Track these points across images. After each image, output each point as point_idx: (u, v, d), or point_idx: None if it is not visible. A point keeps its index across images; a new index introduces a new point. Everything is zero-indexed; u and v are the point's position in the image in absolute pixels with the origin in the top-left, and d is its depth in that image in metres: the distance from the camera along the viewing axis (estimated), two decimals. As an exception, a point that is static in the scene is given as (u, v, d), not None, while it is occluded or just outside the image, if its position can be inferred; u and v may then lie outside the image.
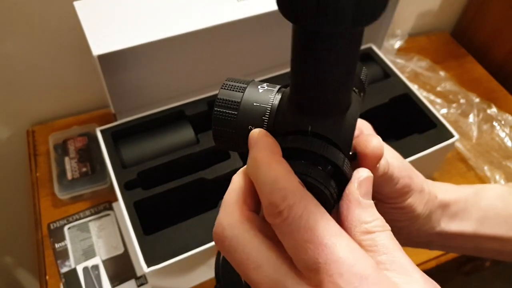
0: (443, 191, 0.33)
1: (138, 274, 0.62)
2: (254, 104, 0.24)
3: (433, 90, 0.87)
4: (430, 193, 0.31)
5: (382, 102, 0.66)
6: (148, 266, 0.49)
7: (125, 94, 0.66)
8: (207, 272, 0.60)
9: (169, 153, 0.58)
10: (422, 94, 0.83)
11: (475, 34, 1.00)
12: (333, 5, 0.16)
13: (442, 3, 1.00)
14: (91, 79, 0.75)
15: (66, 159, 0.71)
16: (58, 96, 0.78)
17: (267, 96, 0.24)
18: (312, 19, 0.17)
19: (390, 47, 0.91)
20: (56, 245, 0.64)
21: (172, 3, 0.59)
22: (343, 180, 0.23)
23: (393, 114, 0.68)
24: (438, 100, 0.85)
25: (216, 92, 0.63)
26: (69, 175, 0.69)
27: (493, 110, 0.83)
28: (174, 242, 0.51)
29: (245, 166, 0.25)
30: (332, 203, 0.23)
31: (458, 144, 0.78)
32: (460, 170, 0.76)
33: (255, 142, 0.23)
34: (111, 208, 0.68)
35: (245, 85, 0.25)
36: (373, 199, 0.23)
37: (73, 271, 0.60)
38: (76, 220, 0.67)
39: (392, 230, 0.22)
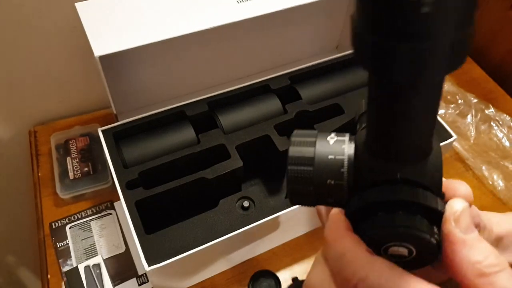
0: (496, 223, 0.31)
1: (139, 273, 0.62)
2: (329, 157, 0.23)
3: (432, 91, 0.87)
4: (489, 229, 0.30)
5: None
6: (149, 265, 0.49)
7: (127, 94, 0.67)
8: (208, 271, 0.61)
9: (170, 153, 0.59)
10: (420, 95, 0.84)
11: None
12: (435, 60, 0.16)
13: (441, 4, 1.00)
14: (93, 79, 0.76)
15: (68, 159, 0.72)
16: (60, 96, 0.78)
17: (340, 146, 0.24)
18: (410, 75, 0.17)
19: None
20: (58, 244, 0.64)
21: (173, 4, 0.60)
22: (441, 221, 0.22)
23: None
24: (437, 101, 0.85)
25: (217, 92, 0.64)
26: (71, 175, 0.70)
27: (491, 111, 0.84)
28: (175, 241, 0.52)
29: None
30: (439, 251, 0.22)
31: (456, 144, 0.79)
32: (458, 170, 0.77)
33: (324, 222, 0.23)
34: (112, 208, 0.69)
35: (314, 138, 0.24)
36: None
37: (75, 270, 0.60)
38: (78, 219, 0.67)
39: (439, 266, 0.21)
